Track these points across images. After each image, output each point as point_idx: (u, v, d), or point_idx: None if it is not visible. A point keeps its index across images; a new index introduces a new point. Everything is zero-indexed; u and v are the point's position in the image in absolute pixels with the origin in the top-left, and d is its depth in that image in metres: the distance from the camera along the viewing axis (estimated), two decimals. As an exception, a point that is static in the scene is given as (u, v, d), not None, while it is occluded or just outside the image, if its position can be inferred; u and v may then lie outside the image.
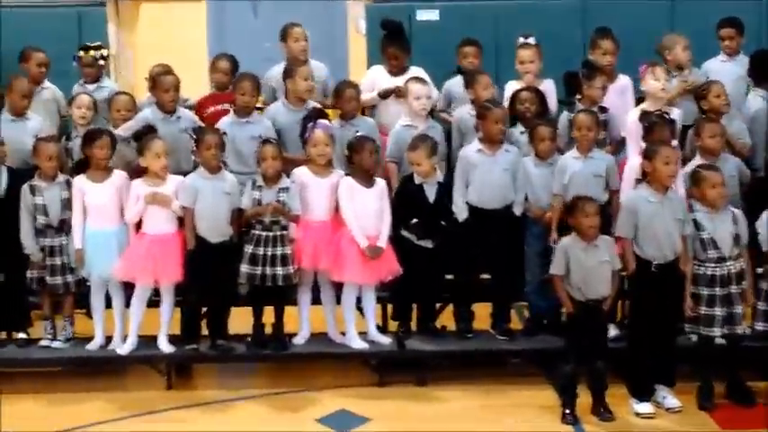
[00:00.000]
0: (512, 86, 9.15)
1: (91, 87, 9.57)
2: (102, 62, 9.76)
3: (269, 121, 8.87)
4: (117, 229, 8.41)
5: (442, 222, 8.51)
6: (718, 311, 7.79)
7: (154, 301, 8.48)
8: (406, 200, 8.51)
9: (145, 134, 8.42)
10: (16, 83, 9.09)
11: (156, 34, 12.35)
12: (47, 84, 9.58)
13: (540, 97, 8.87)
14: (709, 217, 7.84)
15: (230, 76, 9.38)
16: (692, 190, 7.98)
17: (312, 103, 8.94)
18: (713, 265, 7.80)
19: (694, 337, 8.00)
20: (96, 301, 8.53)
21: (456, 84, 9.44)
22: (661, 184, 7.80)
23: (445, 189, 8.54)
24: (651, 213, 7.79)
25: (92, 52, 9.70)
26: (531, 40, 9.25)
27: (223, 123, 8.74)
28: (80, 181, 8.42)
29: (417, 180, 8.51)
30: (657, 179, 7.80)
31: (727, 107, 8.68)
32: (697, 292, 7.83)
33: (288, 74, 8.98)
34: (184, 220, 8.31)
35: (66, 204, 8.45)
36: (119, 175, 8.45)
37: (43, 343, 8.60)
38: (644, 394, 7.87)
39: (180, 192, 8.31)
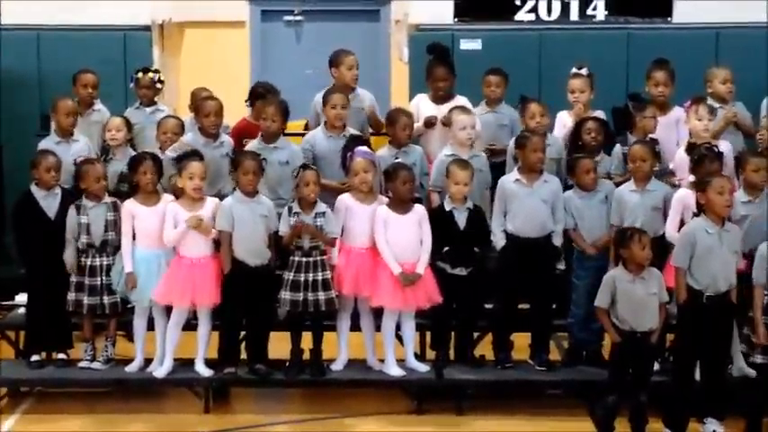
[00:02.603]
0: (562, 117, 9.18)
1: (148, 110, 9.61)
2: (159, 85, 9.81)
3: (298, 147, 8.88)
4: (165, 251, 8.45)
5: (475, 249, 8.51)
6: None
7: (192, 325, 8.51)
8: (436, 227, 8.48)
9: (187, 157, 8.46)
10: (59, 103, 9.13)
11: (199, 59, 12.44)
12: (98, 106, 9.59)
13: (606, 127, 8.87)
14: None
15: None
16: None
17: (351, 131, 8.96)
18: None
19: (735, 372, 7.99)
20: (139, 323, 8.58)
21: None
22: (717, 215, 7.76)
23: (476, 215, 8.53)
24: (709, 244, 7.74)
25: (150, 74, 9.74)
26: (584, 71, 9.26)
27: (250, 148, 8.75)
28: (130, 204, 8.47)
29: (448, 206, 8.51)
30: (712, 210, 7.75)
31: None
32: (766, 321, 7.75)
33: (324, 101, 9.00)
34: (221, 244, 8.33)
35: (110, 226, 8.50)
36: (167, 199, 8.50)
37: (82, 364, 8.64)
38: (678, 427, 7.83)
39: (217, 216, 8.35)
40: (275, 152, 8.74)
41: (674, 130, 9.03)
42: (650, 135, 8.74)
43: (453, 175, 8.43)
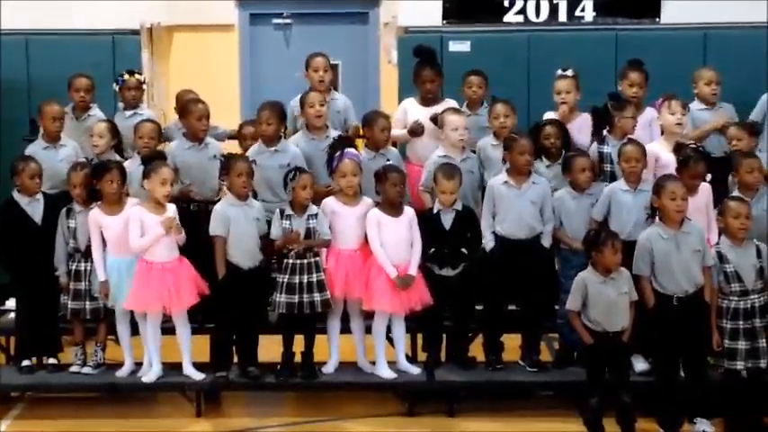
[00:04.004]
0: (549, 117, 9.14)
1: (127, 114, 9.55)
2: (144, 86, 9.78)
3: (298, 149, 8.83)
4: (136, 257, 8.39)
5: (463, 250, 8.52)
6: (741, 345, 7.76)
7: (192, 329, 8.49)
8: (423, 229, 8.48)
9: (154, 159, 8.44)
10: (45, 108, 9.11)
11: (188, 62, 12.43)
12: (93, 111, 9.54)
13: (564, 131, 8.88)
14: (732, 249, 7.82)
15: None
16: (719, 220, 7.98)
17: (334, 132, 8.93)
18: (736, 298, 7.78)
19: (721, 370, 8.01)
20: (122, 328, 8.57)
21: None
22: (670, 219, 7.82)
23: (463, 216, 8.53)
24: (665, 249, 7.82)
25: (137, 75, 9.71)
26: (569, 72, 9.26)
27: (251, 152, 8.76)
28: (95, 213, 8.43)
29: (435, 209, 8.52)
30: (666, 215, 7.83)
31: None
32: (720, 324, 7.82)
33: (301, 103, 8.99)
34: (215, 249, 8.31)
35: (95, 231, 8.51)
36: (131, 204, 8.46)
37: (73, 369, 8.65)
38: (672, 427, 7.86)
39: (211, 221, 8.35)
40: (276, 155, 8.73)
41: (648, 130, 9.02)
42: (630, 135, 8.71)
43: (440, 184, 8.44)
